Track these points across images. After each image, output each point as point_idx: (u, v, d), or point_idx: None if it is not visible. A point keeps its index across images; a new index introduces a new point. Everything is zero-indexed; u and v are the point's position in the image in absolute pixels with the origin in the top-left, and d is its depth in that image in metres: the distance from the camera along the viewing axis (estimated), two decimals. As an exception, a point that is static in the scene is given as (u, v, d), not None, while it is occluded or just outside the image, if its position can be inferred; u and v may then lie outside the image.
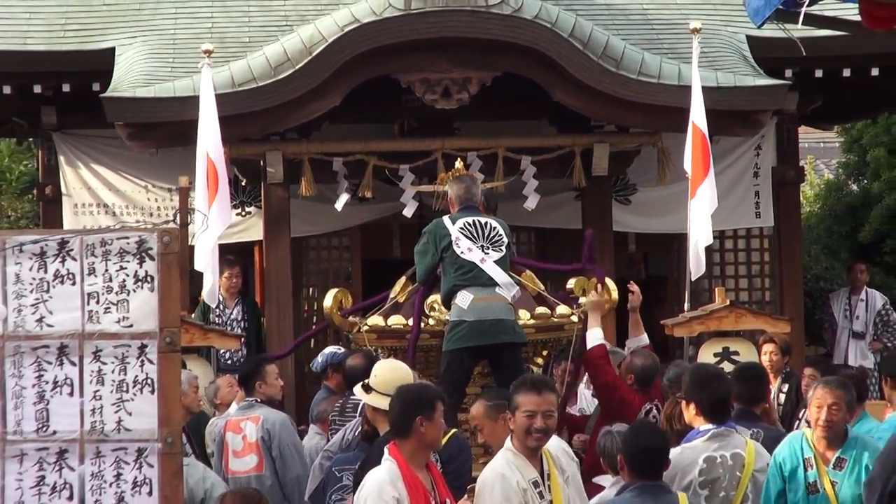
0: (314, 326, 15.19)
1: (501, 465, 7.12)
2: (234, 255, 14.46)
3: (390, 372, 8.04)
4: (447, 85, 13.64)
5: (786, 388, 11.56)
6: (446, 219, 10.09)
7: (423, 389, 7.25)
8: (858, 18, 6.42)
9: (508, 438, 7.26)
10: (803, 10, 5.97)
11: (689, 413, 8.08)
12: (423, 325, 10.30)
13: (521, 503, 7.02)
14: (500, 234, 10.01)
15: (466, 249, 9.87)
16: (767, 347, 11.61)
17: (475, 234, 9.95)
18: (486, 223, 10.05)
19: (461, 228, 9.94)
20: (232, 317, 14.08)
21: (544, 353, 10.72)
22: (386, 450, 6.84)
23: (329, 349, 11.46)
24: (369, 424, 8.79)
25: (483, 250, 9.88)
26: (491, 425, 7.86)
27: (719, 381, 8.19)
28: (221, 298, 13.94)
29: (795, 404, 11.22)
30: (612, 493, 7.64)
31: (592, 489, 8.32)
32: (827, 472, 7.98)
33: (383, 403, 7.63)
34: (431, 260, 10.05)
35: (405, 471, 6.66)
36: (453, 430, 9.09)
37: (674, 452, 7.69)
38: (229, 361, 13.26)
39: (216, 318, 13.68)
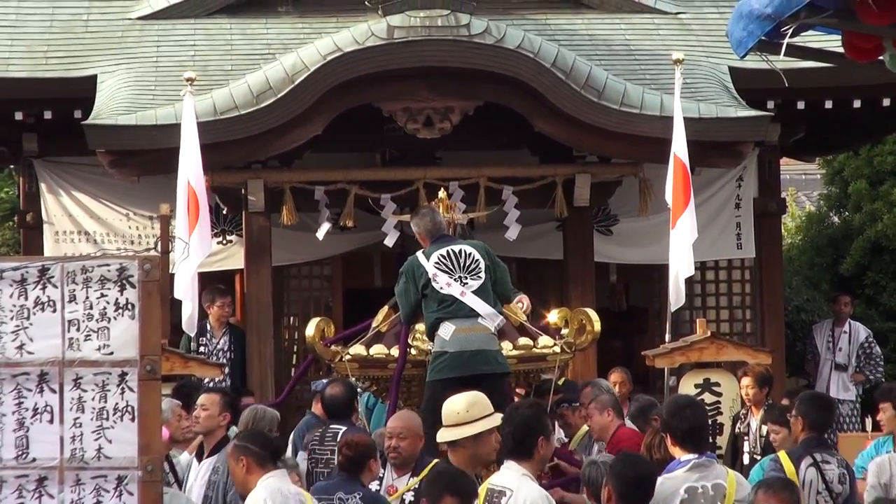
0: (294, 359, 15.19)
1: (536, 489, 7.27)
2: (215, 283, 14.45)
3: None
4: (429, 114, 13.69)
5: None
6: (420, 255, 10.08)
7: (460, 477, 7.28)
8: (841, 50, 6.46)
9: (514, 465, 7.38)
10: (786, 41, 6.00)
11: (668, 443, 8.14)
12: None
13: None
14: (477, 260, 10.00)
15: (445, 284, 9.89)
16: (745, 381, 11.60)
17: (451, 267, 9.95)
18: (460, 251, 10.04)
19: (436, 263, 9.95)
20: (218, 346, 14.06)
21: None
22: None
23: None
24: (345, 455, 8.82)
25: (461, 282, 9.89)
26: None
27: (692, 409, 8.22)
28: (209, 327, 13.96)
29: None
30: None
31: None
32: None
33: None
34: (413, 299, 10.05)
35: None
36: (435, 461, 9.11)
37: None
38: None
39: (203, 347, 13.66)
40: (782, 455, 9.03)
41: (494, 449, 8.04)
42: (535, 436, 7.43)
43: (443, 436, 7.96)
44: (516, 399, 10.37)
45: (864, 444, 10.97)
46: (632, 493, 7.04)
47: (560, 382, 10.93)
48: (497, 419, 8.08)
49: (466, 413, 7.95)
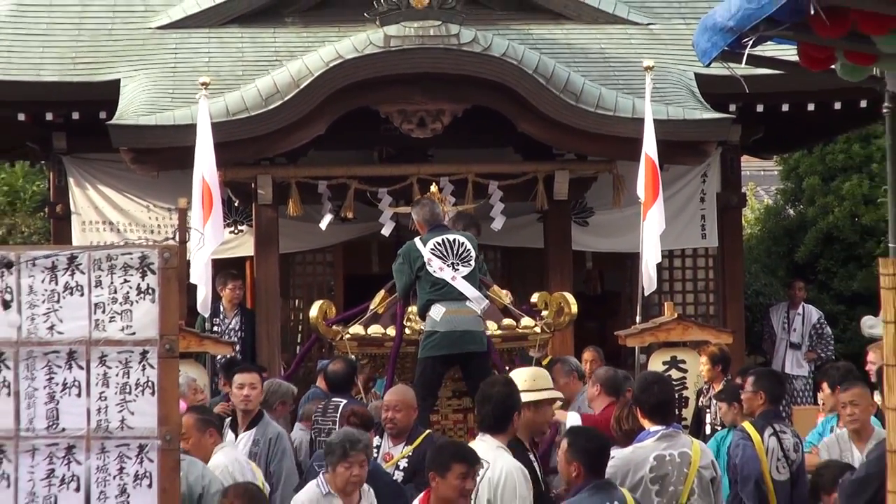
0: (299, 338, 15.19)
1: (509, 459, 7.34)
2: (228, 269, 14.46)
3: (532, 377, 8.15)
4: (422, 116, 13.68)
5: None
6: (418, 241, 10.12)
7: (464, 446, 7.26)
8: (797, 59, 6.46)
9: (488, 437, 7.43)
10: (747, 51, 5.99)
11: (638, 415, 8.17)
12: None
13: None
14: (468, 249, 10.05)
15: (438, 269, 9.91)
16: (701, 360, 11.62)
17: (445, 253, 9.98)
18: (454, 240, 10.08)
19: (432, 249, 9.98)
20: (230, 326, 14.10)
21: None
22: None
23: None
24: (352, 423, 8.84)
25: (453, 268, 9.92)
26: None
27: (660, 385, 8.26)
28: (222, 309, 13.97)
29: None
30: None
31: None
32: None
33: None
34: (408, 278, 10.09)
35: None
36: (427, 431, 9.14)
37: (626, 451, 7.77)
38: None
39: (216, 327, 13.65)
40: (747, 425, 9.06)
41: (548, 421, 8.19)
42: (511, 412, 7.47)
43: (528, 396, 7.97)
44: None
45: (816, 416, 10.99)
46: (594, 463, 7.06)
47: (545, 362, 10.92)
48: (557, 394, 8.26)
49: (534, 383, 7.99)
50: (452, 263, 9.94)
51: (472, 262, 10.02)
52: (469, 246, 10.09)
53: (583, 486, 7.02)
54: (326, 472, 7.73)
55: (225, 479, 8.16)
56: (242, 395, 9.74)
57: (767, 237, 19.97)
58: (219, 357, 12.78)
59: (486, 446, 7.39)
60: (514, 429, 7.48)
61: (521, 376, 8.05)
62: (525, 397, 7.84)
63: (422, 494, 6.94)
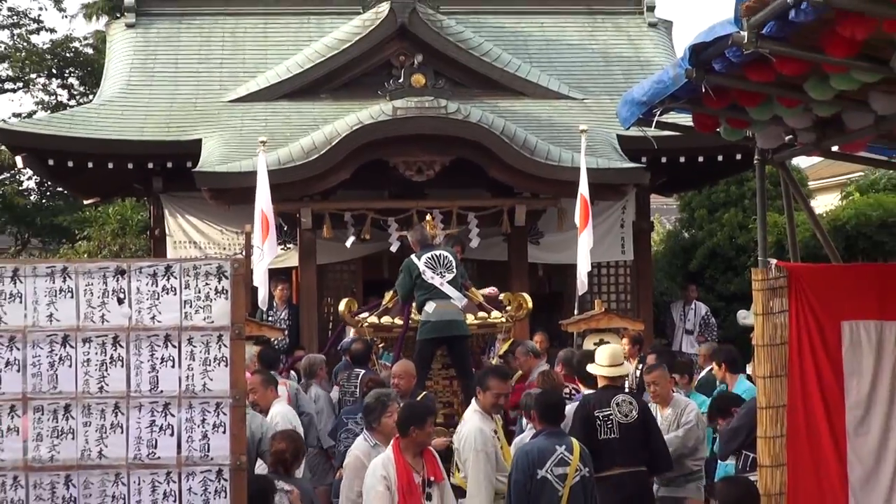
0: (331, 327, 15.18)
1: (475, 421, 7.39)
2: (279, 275, 14.43)
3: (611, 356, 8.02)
4: (420, 165, 13.70)
5: (640, 367, 11.57)
6: (414, 257, 10.10)
7: (418, 406, 7.05)
8: (692, 124, 6.49)
9: (474, 402, 7.52)
10: (655, 118, 6.02)
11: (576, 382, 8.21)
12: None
13: (493, 444, 7.33)
14: (451, 262, 10.05)
15: (430, 277, 9.91)
16: (624, 341, 11.61)
17: (434, 265, 9.97)
18: (440, 255, 10.07)
19: (425, 263, 9.97)
20: (281, 317, 14.03)
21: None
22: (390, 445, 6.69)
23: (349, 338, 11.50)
24: (370, 388, 8.80)
25: (441, 276, 9.92)
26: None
27: (589, 360, 8.32)
28: (275, 304, 13.93)
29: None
30: (528, 435, 7.64)
31: None
32: None
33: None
34: (409, 286, 10.03)
35: (398, 458, 6.52)
36: (424, 392, 9.13)
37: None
38: (277, 345, 13.21)
39: (270, 317, 13.61)
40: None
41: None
42: (476, 388, 7.61)
43: (605, 371, 7.92)
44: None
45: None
46: (549, 414, 7.06)
47: (508, 344, 10.92)
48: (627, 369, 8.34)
49: (613, 360, 7.97)
50: (440, 272, 9.93)
51: (455, 271, 10.01)
52: (451, 259, 10.08)
53: (540, 432, 7.05)
54: (370, 428, 7.17)
55: (279, 423, 8.18)
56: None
57: (669, 253, 19.96)
58: (273, 340, 12.76)
59: (470, 409, 7.54)
60: (480, 399, 7.50)
61: (602, 354, 8.02)
62: (603, 372, 7.84)
63: (393, 441, 6.66)
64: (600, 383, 7.86)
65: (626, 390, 8.36)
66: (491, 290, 11.19)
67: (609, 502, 7.32)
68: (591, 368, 8.00)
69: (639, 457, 7.56)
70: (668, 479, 8.14)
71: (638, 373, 10.55)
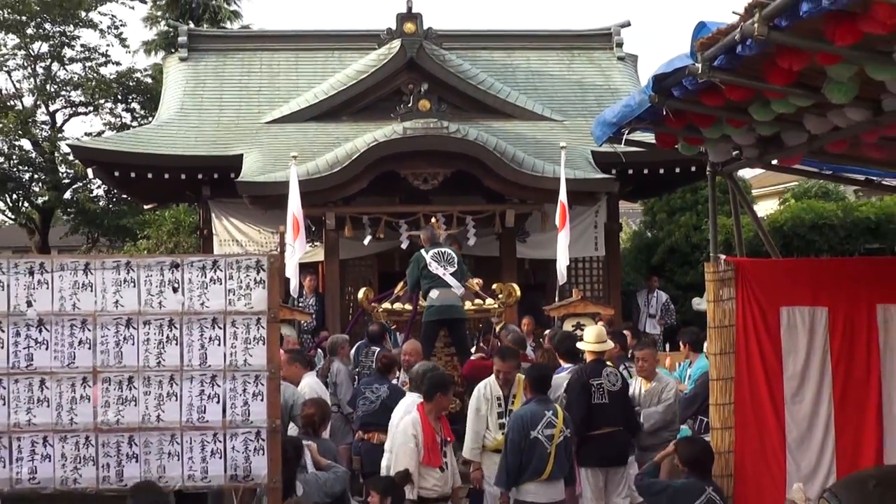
0: (351, 312, 15.15)
1: (481, 386, 7.54)
2: (308, 268, 14.40)
3: (597, 335, 7.94)
4: (426, 176, 13.64)
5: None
6: (423, 252, 10.07)
7: (442, 377, 7.22)
8: (654, 141, 6.48)
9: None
10: (624, 136, 6.02)
11: (557, 357, 8.14)
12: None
13: (487, 405, 7.42)
14: (453, 257, 10.01)
15: (435, 269, 9.88)
16: (600, 323, 11.56)
17: (439, 259, 9.95)
18: (445, 252, 10.04)
19: (432, 257, 9.94)
20: (309, 303, 13.95)
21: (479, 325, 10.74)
22: (415, 407, 6.87)
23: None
24: (382, 363, 8.77)
25: (444, 268, 9.89)
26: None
27: (571, 339, 8.39)
28: (304, 292, 13.90)
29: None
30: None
31: None
32: None
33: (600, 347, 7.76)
34: (417, 276, 10.01)
35: (423, 419, 6.76)
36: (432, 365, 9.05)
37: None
38: (305, 327, 13.18)
39: (300, 304, 13.57)
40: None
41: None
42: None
43: (592, 347, 7.83)
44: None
45: (663, 360, 10.80)
46: (538, 384, 7.06)
47: (499, 326, 10.89)
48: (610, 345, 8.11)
49: (598, 338, 7.92)
50: (444, 265, 9.92)
51: (456, 265, 9.99)
52: (454, 255, 10.06)
53: (529, 400, 7.07)
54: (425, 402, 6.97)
55: (309, 392, 8.15)
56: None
57: (634, 249, 19.92)
58: (303, 322, 12.72)
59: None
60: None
61: (589, 333, 7.97)
62: (591, 348, 7.77)
63: (417, 404, 6.84)
64: (588, 357, 7.83)
65: (609, 364, 8.33)
66: (476, 281, 11.15)
67: (602, 454, 7.44)
68: (580, 345, 7.99)
69: (620, 419, 7.57)
70: (645, 447, 8.09)
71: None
